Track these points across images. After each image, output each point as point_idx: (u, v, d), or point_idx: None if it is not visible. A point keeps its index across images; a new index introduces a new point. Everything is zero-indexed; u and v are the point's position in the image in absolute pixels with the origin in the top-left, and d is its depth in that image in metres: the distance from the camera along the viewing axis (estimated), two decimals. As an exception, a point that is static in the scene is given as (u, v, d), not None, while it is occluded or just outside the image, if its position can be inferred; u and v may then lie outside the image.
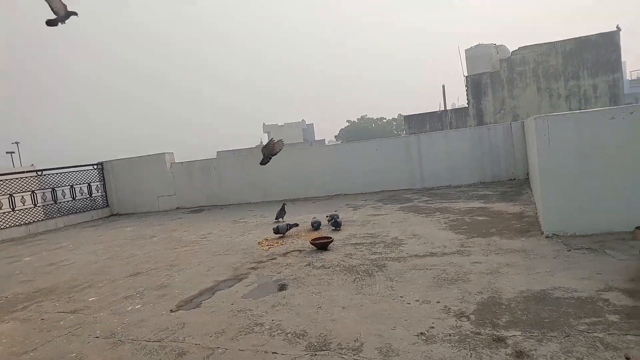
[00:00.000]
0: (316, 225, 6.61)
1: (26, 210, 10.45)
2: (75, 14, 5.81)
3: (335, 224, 6.44)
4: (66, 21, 5.91)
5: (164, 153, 12.36)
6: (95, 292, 4.63)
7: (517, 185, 9.03)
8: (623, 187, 4.52)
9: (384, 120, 77.32)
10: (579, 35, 23.08)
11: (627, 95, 28.19)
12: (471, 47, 28.66)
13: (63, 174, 11.54)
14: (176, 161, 12.56)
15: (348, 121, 78.37)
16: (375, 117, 78.26)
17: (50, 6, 5.97)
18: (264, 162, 8.21)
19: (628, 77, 44.22)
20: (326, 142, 60.79)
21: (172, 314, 3.71)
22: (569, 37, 23.25)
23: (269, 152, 8.11)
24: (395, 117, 75.10)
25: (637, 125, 4.47)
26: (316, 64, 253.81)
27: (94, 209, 12.22)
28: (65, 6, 5.97)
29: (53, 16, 5.55)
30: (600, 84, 23.01)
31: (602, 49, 22.80)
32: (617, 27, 22.56)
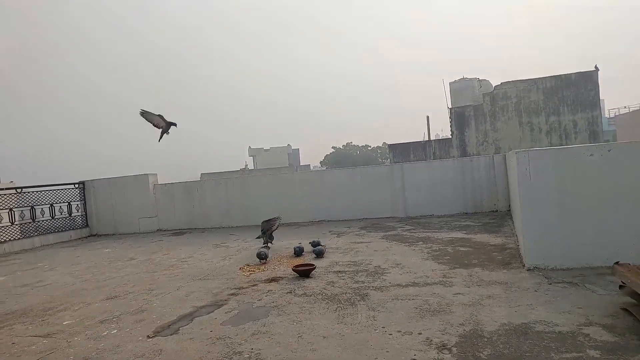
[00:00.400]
0: (298, 251, 6.56)
1: (2, 228, 10.17)
2: (174, 124, 6.09)
3: (318, 251, 6.39)
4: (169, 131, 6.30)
5: (147, 174, 12.23)
6: (70, 316, 4.50)
7: (499, 216, 9.14)
8: (602, 222, 4.61)
9: (369, 148, 78.15)
10: (559, 74, 23.88)
11: (605, 132, 29.08)
12: (455, 80, 29.41)
13: (43, 192, 11.30)
14: (159, 182, 12.44)
15: (333, 147, 79.05)
16: (360, 145, 79.06)
17: (152, 124, 6.35)
18: (261, 237, 7.30)
19: (606, 115, 45.72)
20: (311, 168, 60.99)
21: (149, 340, 3.62)
22: (550, 75, 24.02)
23: (268, 227, 7.27)
24: (380, 145, 75.99)
25: (614, 162, 4.60)
26: (303, 89, 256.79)
27: (72, 228, 11.96)
28: (164, 119, 6.39)
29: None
30: (580, 121, 23.70)
31: (581, 87, 23.59)
32: (596, 67, 23.43)
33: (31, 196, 11.02)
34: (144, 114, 6.38)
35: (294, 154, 67.77)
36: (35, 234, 10.95)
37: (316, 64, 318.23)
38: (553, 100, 23.98)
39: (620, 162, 4.60)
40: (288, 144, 65.45)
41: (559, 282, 4.22)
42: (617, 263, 3.71)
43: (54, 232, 11.37)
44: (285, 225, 10.63)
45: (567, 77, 23.76)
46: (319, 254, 6.35)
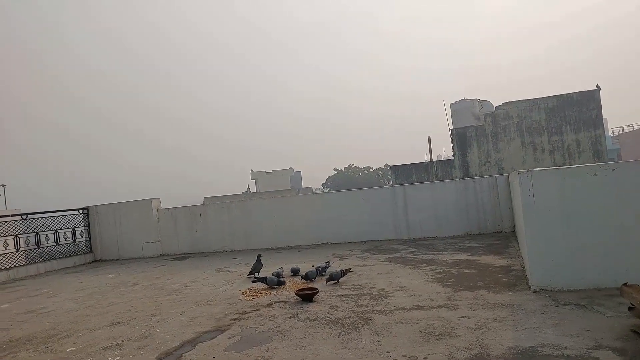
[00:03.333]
0: (306, 276, 6.39)
1: (8, 255, 10.18)
2: (283, 283, 6.23)
3: (335, 275, 6.07)
4: None
5: (150, 199, 12.27)
6: (73, 342, 4.46)
7: (504, 237, 9.08)
8: (608, 243, 4.57)
9: (371, 170, 78.24)
10: (561, 93, 23.98)
11: (609, 151, 29.04)
12: (456, 101, 29.61)
13: (48, 218, 11.33)
14: (162, 207, 12.46)
15: (335, 169, 79.18)
16: (362, 166, 79.22)
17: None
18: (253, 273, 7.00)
19: (610, 134, 45.72)
20: (313, 190, 61.00)
21: (151, 367, 3.58)
22: (551, 95, 24.12)
23: (258, 266, 6.99)
24: (382, 166, 76.11)
25: (619, 181, 4.58)
26: (306, 111, 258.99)
27: (76, 254, 11.94)
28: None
29: None
30: (583, 140, 23.71)
31: (584, 106, 23.66)
32: (597, 86, 23.54)
33: (36, 222, 11.06)
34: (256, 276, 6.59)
35: (296, 176, 67.91)
36: (40, 260, 10.95)
37: (318, 86, 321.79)
38: (555, 120, 24.05)
39: (625, 181, 4.57)
40: (290, 167, 65.63)
41: (566, 304, 4.17)
42: (625, 284, 3.67)
43: (58, 258, 11.35)
44: (288, 248, 10.60)
45: (568, 96, 23.86)
46: (334, 279, 6.04)
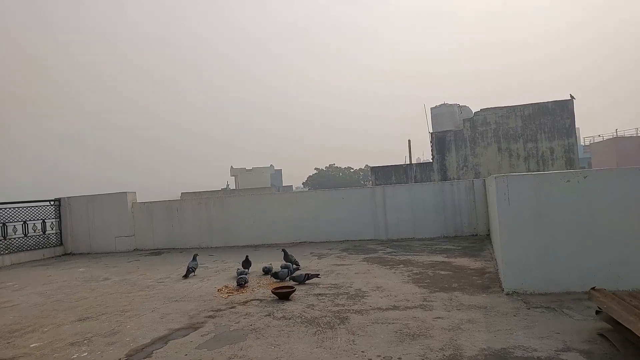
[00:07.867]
0: (278, 275, 6.35)
1: (-29, 246, 9.82)
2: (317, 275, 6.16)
3: (294, 279, 6.04)
4: None
5: (125, 192, 12.03)
6: (38, 337, 4.32)
7: (479, 240, 9.20)
8: (579, 248, 4.68)
9: (351, 170, 78.56)
10: (537, 102, 24.51)
11: (581, 159, 29.81)
12: (436, 105, 29.96)
13: (16, 209, 10.98)
14: (138, 201, 12.23)
15: (316, 169, 79.24)
16: (342, 167, 79.46)
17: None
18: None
19: (582, 143, 47.00)
20: (294, 189, 60.85)
21: (120, 364, 3.49)
22: (528, 103, 24.63)
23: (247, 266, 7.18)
24: (363, 167, 76.51)
25: (590, 188, 4.70)
26: (287, 111, 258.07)
27: (46, 247, 11.60)
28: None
29: None
30: (557, 148, 24.26)
31: (558, 115, 24.22)
32: (571, 96, 24.12)
33: (3, 213, 10.69)
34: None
35: (277, 174, 67.76)
36: (6, 252, 10.59)
37: (300, 86, 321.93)
38: (531, 127, 24.55)
39: (595, 188, 4.69)
40: (270, 165, 65.47)
41: (537, 307, 4.24)
42: (593, 288, 3.75)
43: (27, 250, 11.02)
44: (266, 246, 10.53)
45: (544, 105, 24.39)
46: (297, 280, 6.02)
